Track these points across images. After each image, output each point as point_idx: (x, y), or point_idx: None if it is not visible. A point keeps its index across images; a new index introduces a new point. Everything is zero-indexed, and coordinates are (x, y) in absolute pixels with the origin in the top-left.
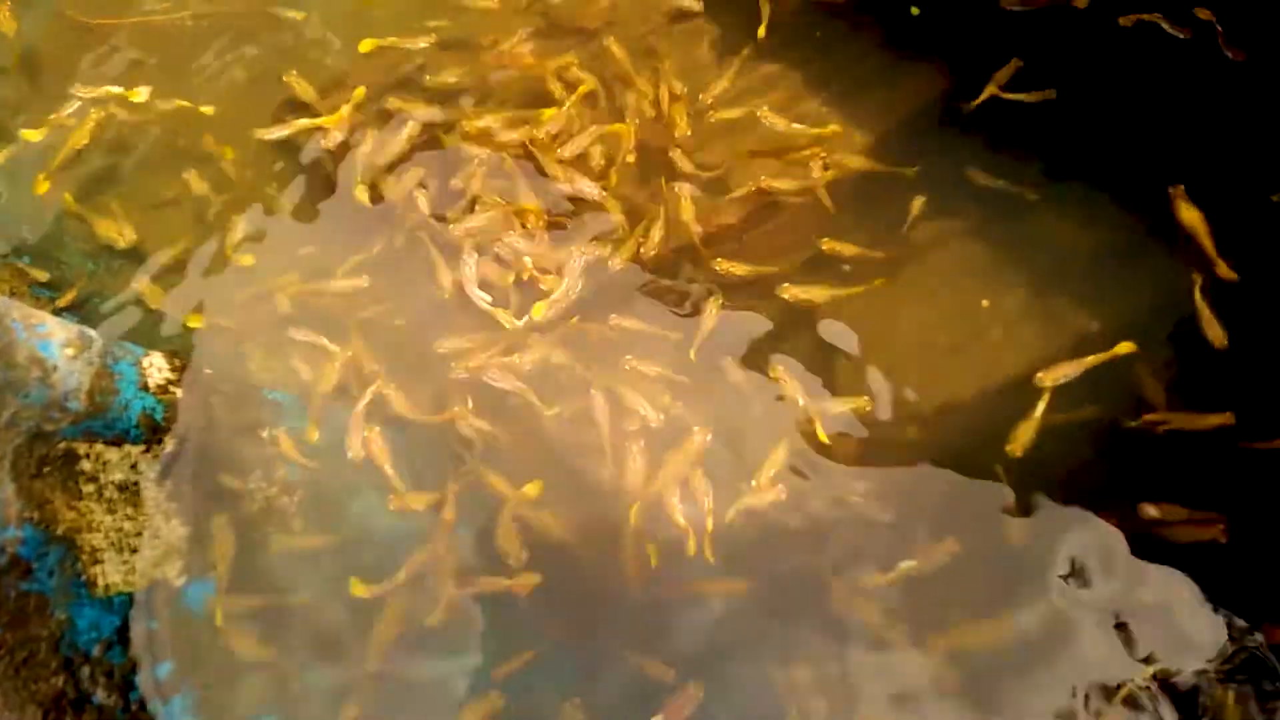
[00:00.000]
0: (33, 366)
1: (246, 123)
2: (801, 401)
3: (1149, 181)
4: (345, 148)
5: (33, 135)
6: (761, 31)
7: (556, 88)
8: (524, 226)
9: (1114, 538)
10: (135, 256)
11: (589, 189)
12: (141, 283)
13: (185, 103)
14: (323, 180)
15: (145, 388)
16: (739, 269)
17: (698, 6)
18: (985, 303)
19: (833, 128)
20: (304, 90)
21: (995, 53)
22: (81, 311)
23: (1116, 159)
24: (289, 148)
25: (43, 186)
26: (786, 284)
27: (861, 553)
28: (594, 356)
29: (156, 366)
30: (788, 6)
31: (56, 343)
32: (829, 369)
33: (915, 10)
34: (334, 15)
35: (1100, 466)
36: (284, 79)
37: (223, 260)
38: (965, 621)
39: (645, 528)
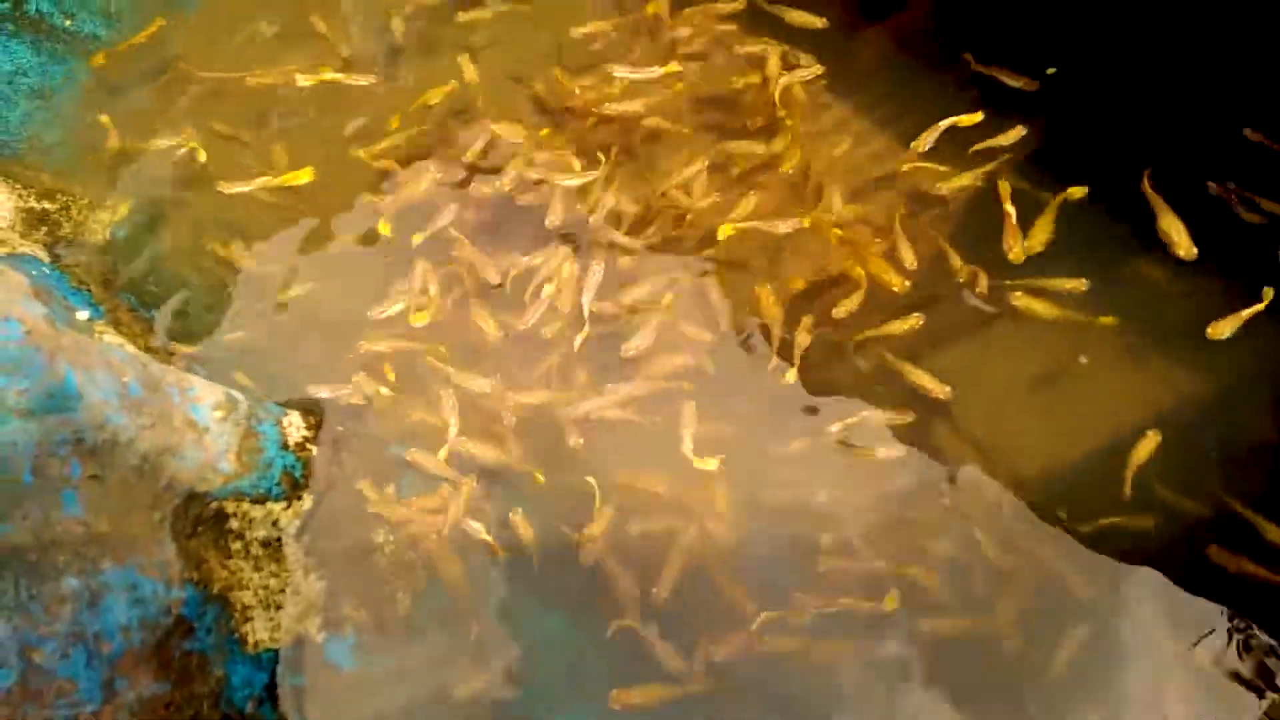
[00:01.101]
0: (187, 430)
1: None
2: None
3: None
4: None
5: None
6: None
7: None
8: None
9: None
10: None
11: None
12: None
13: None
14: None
15: (286, 446)
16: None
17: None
18: (1083, 359)
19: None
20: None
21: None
22: (203, 365)
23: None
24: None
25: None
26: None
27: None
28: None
29: (295, 425)
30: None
31: (207, 406)
32: (919, 421)
33: (1051, 70)
34: None
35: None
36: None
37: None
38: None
39: None
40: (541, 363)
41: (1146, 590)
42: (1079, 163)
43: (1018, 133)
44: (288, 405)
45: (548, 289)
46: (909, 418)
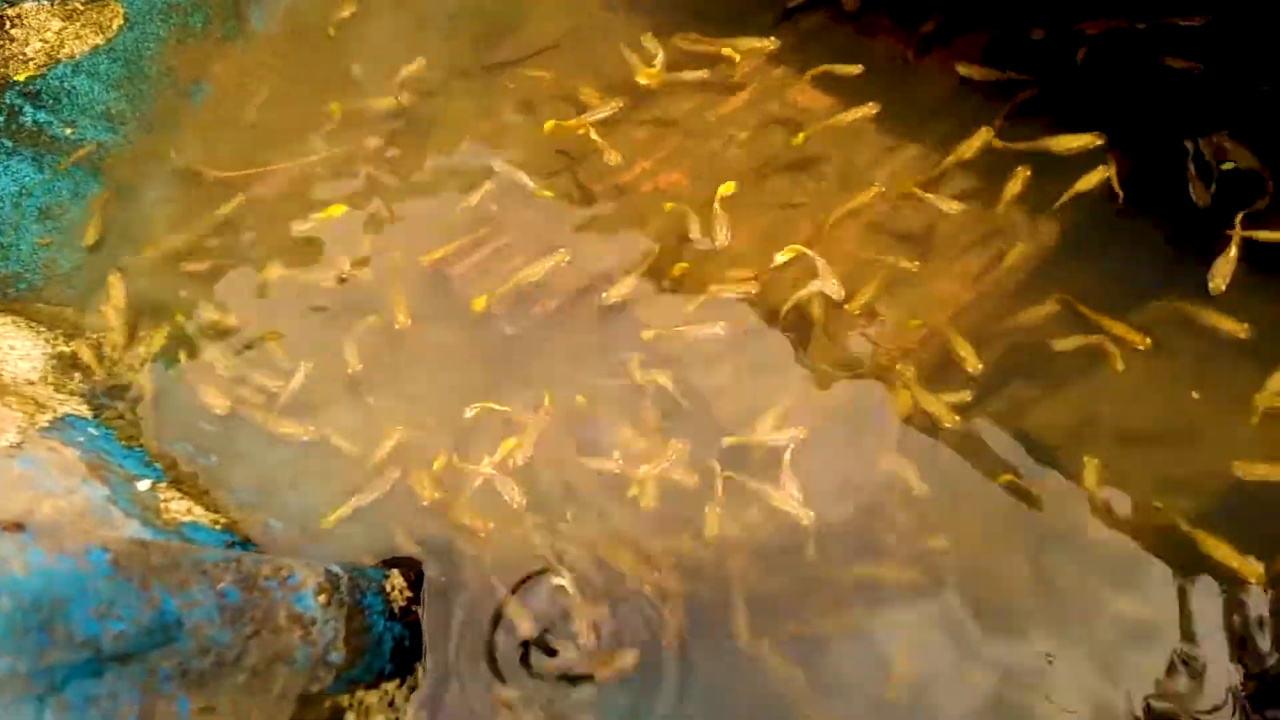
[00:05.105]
0: (293, 627)
1: None
2: None
3: None
4: None
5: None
6: None
7: None
8: None
9: None
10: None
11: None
12: None
13: None
14: None
15: (392, 615)
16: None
17: None
18: (1195, 395)
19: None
20: None
21: None
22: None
23: None
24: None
25: None
26: None
27: None
28: None
29: (398, 588)
30: None
31: (310, 592)
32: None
33: None
34: None
35: None
36: None
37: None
38: None
39: None
40: None
41: None
42: None
43: None
44: (386, 564)
45: None
46: None
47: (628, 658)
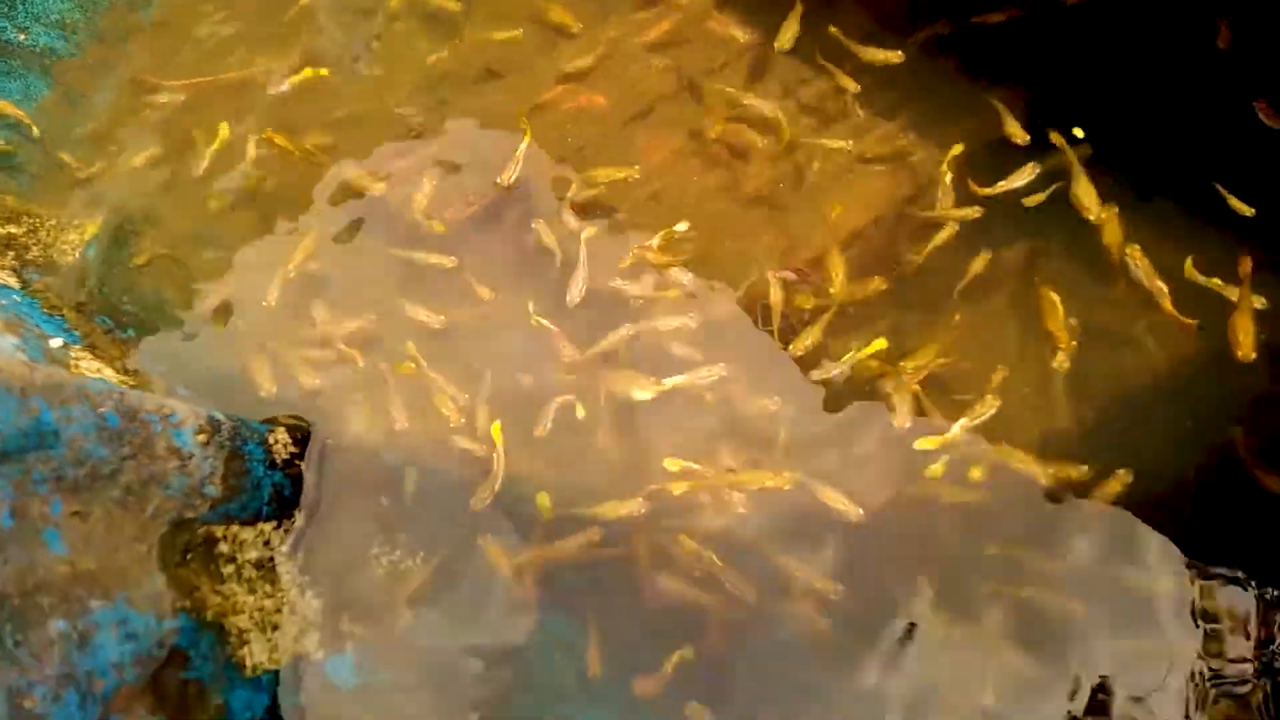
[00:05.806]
0: (171, 457)
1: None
2: None
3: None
4: None
5: None
6: None
7: None
8: None
9: None
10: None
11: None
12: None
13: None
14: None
15: (273, 465)
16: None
17: None
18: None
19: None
20: None
21: None
22: (185, 385)
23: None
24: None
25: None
26: None
27: None
28: None
29: (282, 442)
30: None
31: (189, 430)
32: None
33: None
34: None
35: None
36: None
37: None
38: None
39: None
40: None
41: None
42: None
43: None
44: (274, 422)
45: None
46: None
47: None
